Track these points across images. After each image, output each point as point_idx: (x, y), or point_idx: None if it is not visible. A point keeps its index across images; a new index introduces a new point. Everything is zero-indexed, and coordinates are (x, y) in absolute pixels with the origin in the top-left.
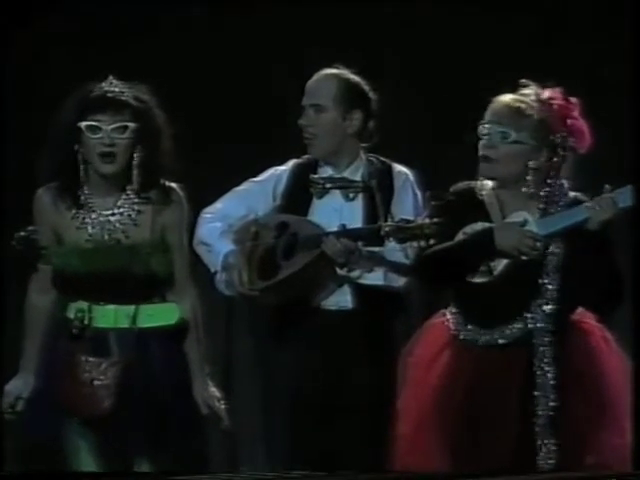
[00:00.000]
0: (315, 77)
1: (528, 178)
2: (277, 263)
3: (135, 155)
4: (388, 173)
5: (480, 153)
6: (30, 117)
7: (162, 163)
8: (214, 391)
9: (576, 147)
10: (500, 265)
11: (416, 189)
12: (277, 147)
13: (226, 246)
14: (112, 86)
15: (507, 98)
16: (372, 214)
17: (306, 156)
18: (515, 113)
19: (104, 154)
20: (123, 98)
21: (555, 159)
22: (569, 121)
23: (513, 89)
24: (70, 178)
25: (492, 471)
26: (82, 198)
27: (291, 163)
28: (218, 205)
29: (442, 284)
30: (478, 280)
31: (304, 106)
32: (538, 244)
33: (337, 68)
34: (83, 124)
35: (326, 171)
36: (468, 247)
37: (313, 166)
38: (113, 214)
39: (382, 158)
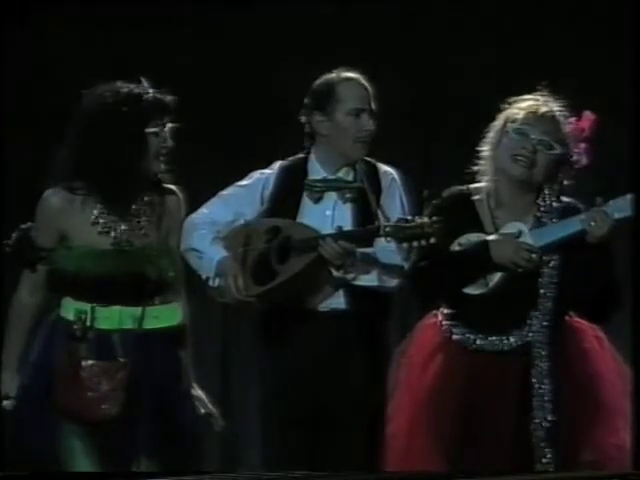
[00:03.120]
0: (356, 82)
1: (547, 190)
2: (272, 268)
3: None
4: (375, 173)
5: (515, 152)
6: (30, 118)
7: (170, 155)
8: (200, 394)
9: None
10: (496, 277)
11: (401, 189)
12: (275, 147)
13: (218, 252)
14: (149, 88)
15: (547, 107)
16: (362, 215)
17: (292, 157)
18: (556, 125)
19: (163, 155)
20: (165, 101)
21: (568, 172)
22: (583, 144)
23: (513, 92)
24: (115, 183)
25: (491, 471)
26: (104, 201)
27: (277, 165)
28: (205, 210)
29: (438, 296)
30: (474, 292)
31: (357, 109)
32: (534, 256)
33: (350, 71)
34: (151, 130)
35: (318, 172)
36: (463, 259)
37: (301, 168)
38: (133, 215)
39: (367, 158)
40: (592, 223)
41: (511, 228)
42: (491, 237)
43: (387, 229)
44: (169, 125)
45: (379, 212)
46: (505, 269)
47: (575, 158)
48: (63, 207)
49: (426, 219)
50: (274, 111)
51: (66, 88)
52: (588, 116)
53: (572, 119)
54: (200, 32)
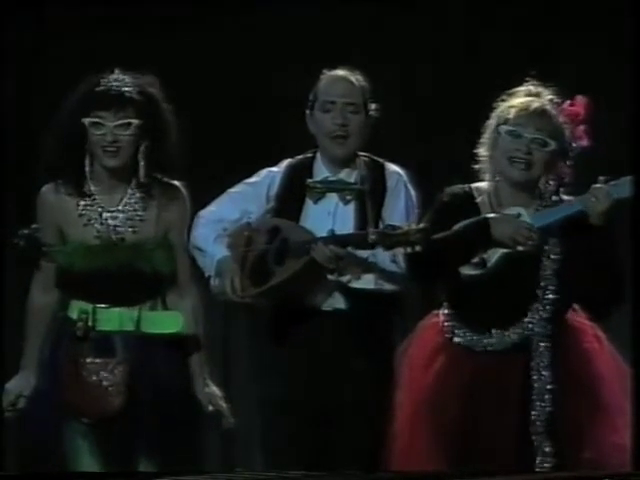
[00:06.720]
0: (335, 77)
1: (549, 184)
2: (269, 269)
3: (141, 149)
4: (381, 173)
5: (511, 155)
6: (30, 116)
7: (168, 157)
8: (216, 390)
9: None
10: (494, 256)
11: (410, 188)
12: (279, 145)
13: (220, 252)
14: (117, 81)
15: (538, 102)
16: (364, 217)
17: (300, 157)
18: (549, 119)
19: (107, 149)
20: (127, 94)
21: (566, 165)
22: (582, 126)
23: (512, 87)
24: (76, 172)
25: (491, 471)
26: (88, 193)
27: (284, 164)
28: (212, 208)
29: (435, 277)
30: (471, 272)
31: (334, 102)
32: (533, 235)
33: (344, 70)
34: (87, 120)
35: (322, 172)
36: (463, 237)
37: (307, 167)
38: (120, 210)
39: (375, 157)
40: (592, 199)
41: (511, 211)
42: (491, 215)
43: (372, 236)
44: (122, 122)
45: (379, 214)
46: (505, 247)
47: (573, 146)
48: (56, 202)
49: (413, 226)
50: (286, 109)
51: (66, 88)
52: (581, 100)
53: (566, 104)
54: (201, 32)
